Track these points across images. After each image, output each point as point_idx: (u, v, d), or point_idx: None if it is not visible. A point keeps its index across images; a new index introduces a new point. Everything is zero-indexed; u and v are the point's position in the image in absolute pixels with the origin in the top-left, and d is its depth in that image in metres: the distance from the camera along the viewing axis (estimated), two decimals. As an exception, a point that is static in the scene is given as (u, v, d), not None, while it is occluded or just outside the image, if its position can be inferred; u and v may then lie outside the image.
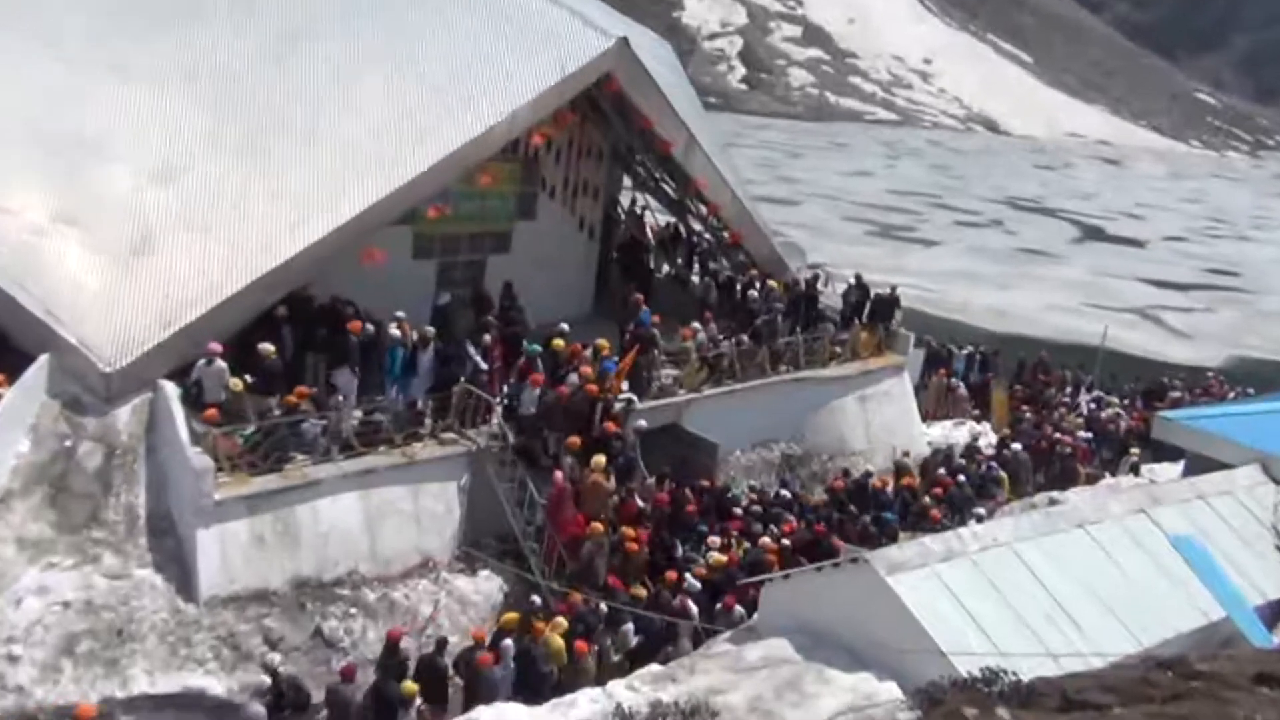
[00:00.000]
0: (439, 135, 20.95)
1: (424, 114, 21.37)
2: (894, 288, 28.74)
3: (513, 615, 16.98)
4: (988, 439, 29.65)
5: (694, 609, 17.70)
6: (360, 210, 19.72)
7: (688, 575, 18.57)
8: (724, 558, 19.11)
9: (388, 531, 18.90)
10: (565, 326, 21.98)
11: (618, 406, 20.91)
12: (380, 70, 22.30)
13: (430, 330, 19.98)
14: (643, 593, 18.06)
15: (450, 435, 19.87)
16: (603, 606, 17.44)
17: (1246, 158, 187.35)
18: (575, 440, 19.73)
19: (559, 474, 19.07)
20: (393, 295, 20.96)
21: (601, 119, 26.02)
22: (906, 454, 26.09)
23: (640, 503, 19.68)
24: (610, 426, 20.15)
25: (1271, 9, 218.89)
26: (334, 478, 18.34)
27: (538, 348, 20.64)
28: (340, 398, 18.88)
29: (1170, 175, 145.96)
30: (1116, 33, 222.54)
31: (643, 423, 20.87)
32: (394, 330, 19.75)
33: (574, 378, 20.47)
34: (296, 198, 19.74)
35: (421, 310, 21.27)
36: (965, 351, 35.17)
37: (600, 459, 19.27)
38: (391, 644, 16.05)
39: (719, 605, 17.82)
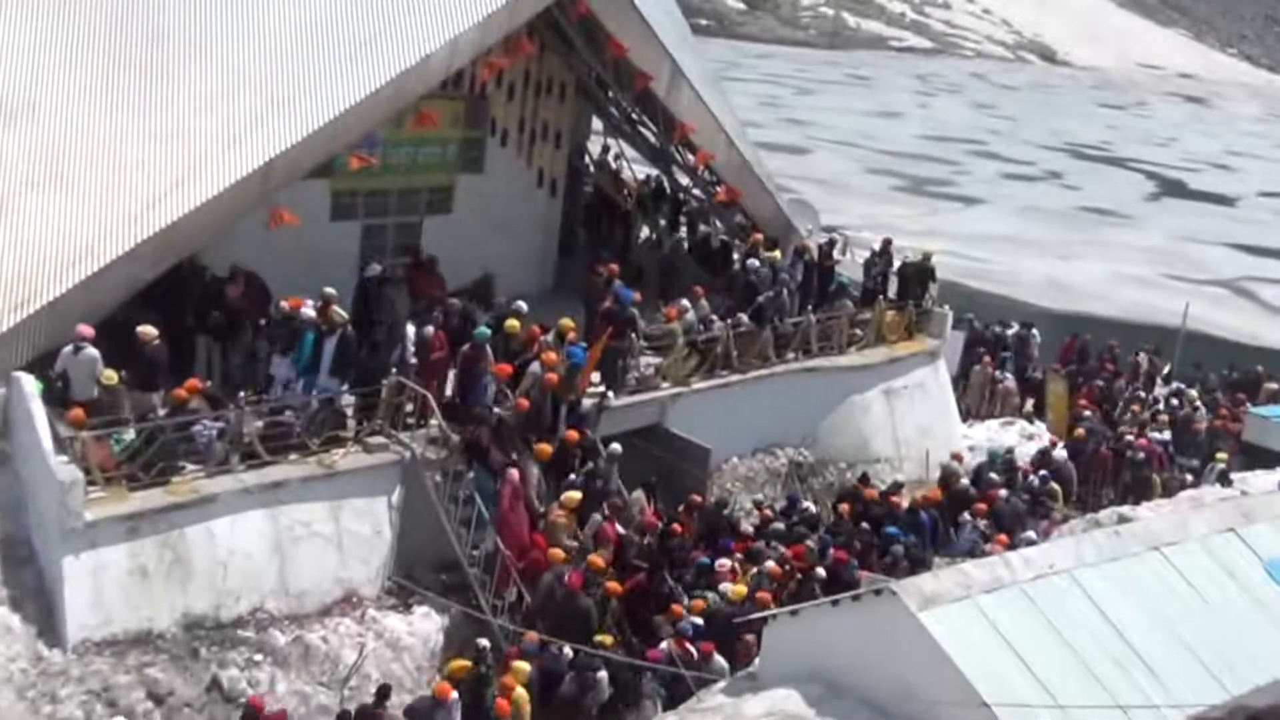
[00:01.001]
0: (362, 65, 20.89)
1: (344, 38, 21.34)
2: (927, 255, 28.81)
3: (462, 663, 16.93)
4: (1042, 441, 29.76)
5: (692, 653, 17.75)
6: (265, 160, 19.67)
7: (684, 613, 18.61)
8: (742, 588, 19.23)
9: (302, 559, 18.86)
10: (521, 305, 21.97)
11: (587, 404, 20.93)
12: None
13: (340, 314, 19.92)
14: (609, 640, 18.04)
15: (379, 440, 19.87)
16: (566, 650, 17.45)
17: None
18: (545, 448, 19.76)
19: (513, 472, 19.12)
20: (306, 266, 20.93)
21: (566, 47, 25.99)
22: (958, 457, 26.22)
23: (620, 530, 19.68)
24: (572, 435, 20.21)
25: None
26: (234, 493, 18.27)
27: (487, 330, 20.66)
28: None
29: (1266, 115, 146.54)
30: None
31: (616, 447, 20.92)
32: (306, 311, 19.69)
33: (535, 367, 20.47)
34: (184, 144, 19.67)
35: (343, 284, 21.28)
36: (1011, 332, 35.24)
37: (574, 495, 19.31)
38: (250, 715, 15.78)
39: (695, 653, 17.85)
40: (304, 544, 18.89)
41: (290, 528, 18.77)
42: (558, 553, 18.60)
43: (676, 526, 20.44)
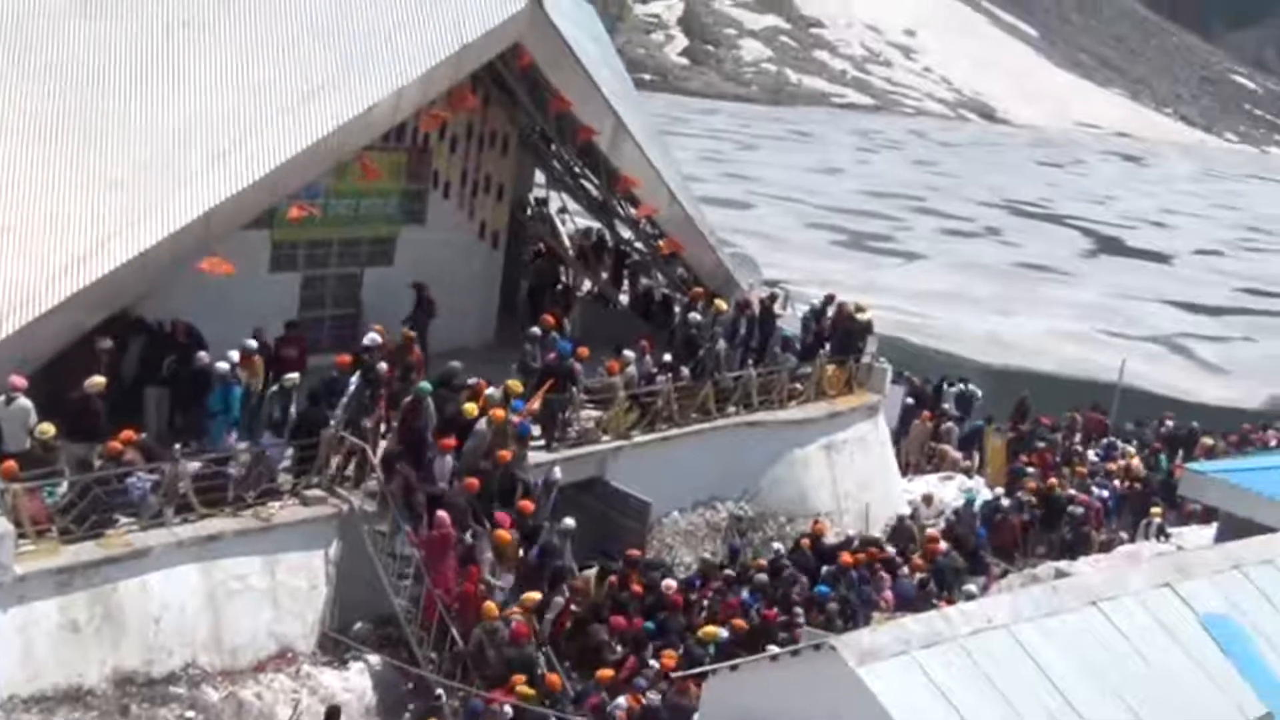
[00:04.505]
0: (304, 115, 20.89)
1: (285, 88, 21.33)
2: (859, 309, 28.87)
3: None
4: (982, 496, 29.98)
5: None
6: (204, 210, 19.59)
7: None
8: (713, 629, 19.31)
9: (236, 614, 18.68)
10: (456, 365, 21.69)
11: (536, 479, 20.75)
12: (229, 32, 22.25)
13: (294, 377, 19.88)
14: (558, 680, 18.02)
15: (316, 493, 19.76)
16: (507, 709, 17.38)
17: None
18: (504, 535, 19.54)
19: (443, 514, 19.03)
20: (244, 317, 20.82)
21: (508, 100, 26.10)
22: (928, 498, 26.29)
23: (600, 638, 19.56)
24: (526, 505, 20.17)
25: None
26: (168, 546, 18.07)
27: (429, 386, 20.55)
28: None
29: (1201, 174, 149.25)
30: (1138, 3, 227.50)
31: (569, 522, 20.74)
32: (221, 365, 19.51)
33: (482, 424, 20.35)
34: (121, 192, 19.59)
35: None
36: (956, 390, 35.59)
37: (534, 596, 19.10)
38: None
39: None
40: (238, 598, 18.71)
41: (224, 582, 18.59)
42: (490, 607, 18.50)
43: (637, 589, 20.38)
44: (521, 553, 19.88)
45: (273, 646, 18.98)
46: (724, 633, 19.68)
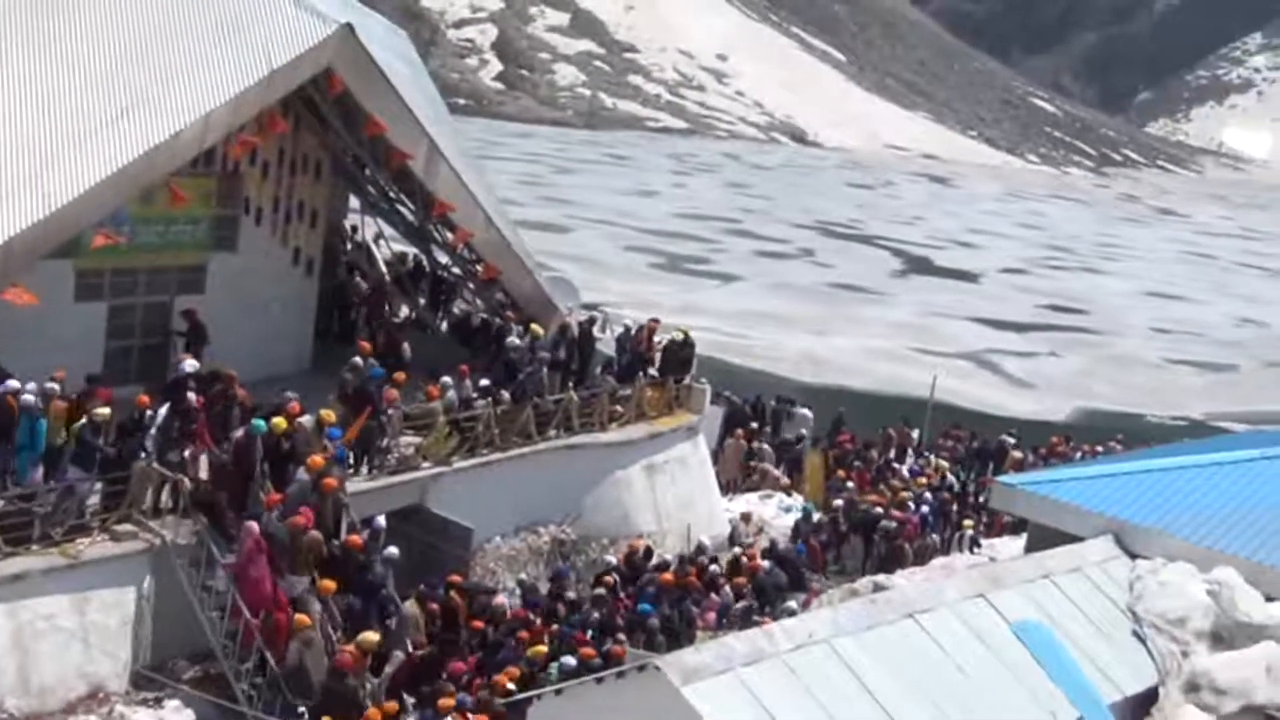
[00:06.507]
0: (108, 141, 20.51)
1: (88, 113, 20.90)
2: (685, 333, 29.20)
3: None
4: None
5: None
6: (3, 239, 19.14)
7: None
8: (541, 648, 19.21)
9: (44, 654, 18.16)
10: (290, 395, 21.22)
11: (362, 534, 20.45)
12: (26, 55, 21.75)
13: (104, 412, 19.32)
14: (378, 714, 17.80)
15: (128, 528, 19.26)
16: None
17: (1091, 175, 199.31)
18: (329, 585, 19.11)
19: (254, 524, 18.65)
20: (50, 347, 20.28)
21: (321, 124, 25.83)
22: (747, 516, 27.33)
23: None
24: (355, 540, 19.86)
25: (1119, 1, 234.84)
26: (-30, 587, 17.52)
27: (263, 424, 20.07)
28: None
29: (1005, 195, 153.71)
30: (943, 28, 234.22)
31: (393, 550, 20.45)
32: (26, 397, 18.92)
33: (302, 474, 19.99)
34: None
35: (86, 366, 20.70)
36: (799, 412, 36.33)
37: (371, 638, 18.65)
38: None
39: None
40: (46, 638, 18.19)
41: (31, 622, 18.06)
42: (304, 619, 18.19)
43: (477, 624, 20.23)
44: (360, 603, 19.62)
45: (83, 687, 18.48)
46: (564, 656, 19.55)
